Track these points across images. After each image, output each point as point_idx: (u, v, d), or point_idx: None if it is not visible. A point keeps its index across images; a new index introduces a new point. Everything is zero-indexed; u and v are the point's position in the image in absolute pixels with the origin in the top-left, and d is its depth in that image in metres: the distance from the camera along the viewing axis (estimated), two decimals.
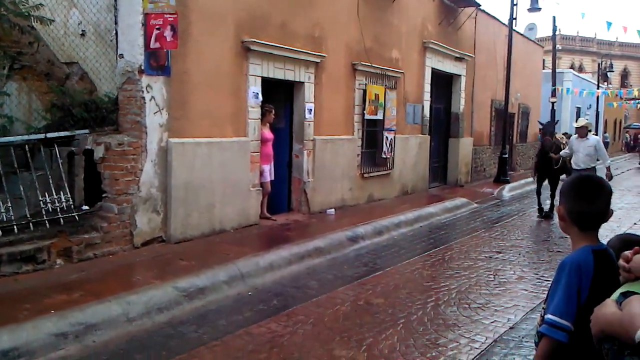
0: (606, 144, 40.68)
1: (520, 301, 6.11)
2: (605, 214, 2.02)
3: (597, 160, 10.70)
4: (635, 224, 11.09)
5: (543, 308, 2.05)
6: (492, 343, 4.91)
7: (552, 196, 11.64)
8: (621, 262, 1.76)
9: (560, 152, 11.15)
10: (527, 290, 6.54)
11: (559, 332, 1.90)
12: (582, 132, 10.69)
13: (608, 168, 10.38)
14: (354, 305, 5.87)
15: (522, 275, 7.21)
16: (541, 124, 12.95)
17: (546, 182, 11.77)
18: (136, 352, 4.57)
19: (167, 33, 6.85)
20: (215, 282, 6.07)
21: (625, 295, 1.61)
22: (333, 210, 10.49)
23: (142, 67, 6.98)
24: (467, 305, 5.92)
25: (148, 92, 7.05)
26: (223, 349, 4.64)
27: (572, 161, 10.95)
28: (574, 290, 1.91)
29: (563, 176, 11.40)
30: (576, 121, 11.91)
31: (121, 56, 7.05)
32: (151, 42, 6.92)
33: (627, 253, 1.76)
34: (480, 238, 9.55)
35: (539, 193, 11.79)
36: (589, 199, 2.01)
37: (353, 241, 8.49)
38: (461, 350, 4.74)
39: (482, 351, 4.73)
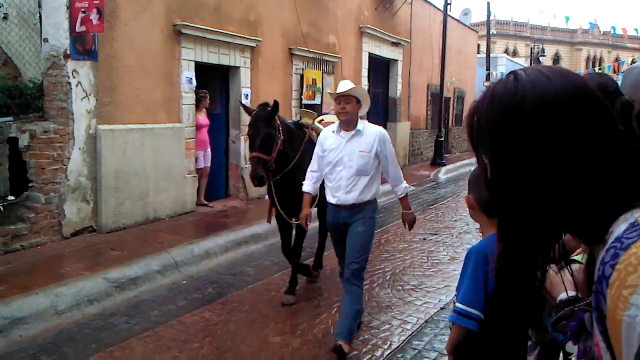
0: None
1: (452, 282, 6.27)
2: None
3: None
4: None
5: (455, 295, 2.09)
6: (423, 324, 5.04)
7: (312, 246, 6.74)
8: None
9: None
10: (458, 270, 6.69)
11: (468, 321, 1.94)
12: (349, 120, 4.45)
13: (404, 199, 4.71)
14: None
15: (454, 256, 7.42)
16: (246, 109, 5.87)
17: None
18: (65, 345, 4.46)
19: (94, 16, 6.63)
20: (148, 271, 5.97)
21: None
22: None
23: (68, 52, 6.74)
24: (400, 287, 6.05)
25: (74, 77, 6.82)
26: (154, 339, 4.58)
27: (325, 184, 4.63)
28: (481, 279, 1.95)
29: None
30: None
31: (45, 40, 6.79)
32: (77, 25, 6.69)
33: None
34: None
35: (285, 250, 5.76)
36: None
37: None
38: (393, 332, 4.85)
39: (413, 332, 4.85)
